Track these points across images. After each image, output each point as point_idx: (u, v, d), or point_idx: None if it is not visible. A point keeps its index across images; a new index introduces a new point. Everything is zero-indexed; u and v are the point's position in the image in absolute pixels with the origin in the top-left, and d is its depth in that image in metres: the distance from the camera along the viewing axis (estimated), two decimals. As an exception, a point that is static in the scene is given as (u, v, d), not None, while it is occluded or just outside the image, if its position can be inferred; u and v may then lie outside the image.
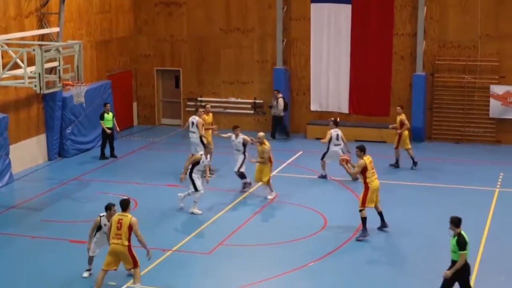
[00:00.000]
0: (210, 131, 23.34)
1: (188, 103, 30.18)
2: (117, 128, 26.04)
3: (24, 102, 24.17)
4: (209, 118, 23.57)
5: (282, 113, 27.96)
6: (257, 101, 29.31)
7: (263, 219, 19.47)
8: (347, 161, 18.41)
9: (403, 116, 23.96)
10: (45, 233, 18.39)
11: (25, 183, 22.65)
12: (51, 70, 22.77)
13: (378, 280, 15.63)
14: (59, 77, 21.25)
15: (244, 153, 21.44)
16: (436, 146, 27.17)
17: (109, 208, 15.19)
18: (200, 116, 22.90)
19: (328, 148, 22.61)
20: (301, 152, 25.82)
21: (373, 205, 17.93)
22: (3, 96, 23.15)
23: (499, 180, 22.62)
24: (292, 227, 18.74)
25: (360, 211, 17.79)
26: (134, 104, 30.83)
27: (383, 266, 16.43)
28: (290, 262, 16.25)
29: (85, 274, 15.65)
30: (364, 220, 17.78)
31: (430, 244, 17.63)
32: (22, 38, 23.30)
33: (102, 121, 25.24)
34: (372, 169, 17.96)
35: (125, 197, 15.62)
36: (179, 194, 19.92)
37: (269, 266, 16.32)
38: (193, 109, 29.27)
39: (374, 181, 17.87)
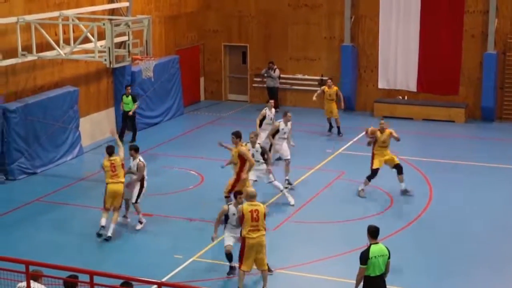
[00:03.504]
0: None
1: (255, 79, 30.21)
2: (130, 113, 24.20)
3: (94, 76, 24.56)
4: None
5: (277, 84, 28.75)
6: (324, 78, 29.16)
7: (329, 197, 19.42)
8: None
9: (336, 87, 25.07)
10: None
11: (95, 155, 23.01)
12: (120, 45, 22.99)
13: (443, 259, 15.50)
14: (129, 51, 21.47)
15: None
16: (506, 126, 26.62)
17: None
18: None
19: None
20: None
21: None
22: (74, 70, 23.54)
23: None
24: (358, 205, 18.68)
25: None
26: (202, 79, 30.99)
27: (448, 248, 16.26)
28: (355, 240, 16.18)
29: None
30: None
31: (498, 226, 17.39)
32: (93, 13, 23.66)
33: (122, 103, 24.38)
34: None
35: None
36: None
37: (333, 243, 16.32)
38: (260, 85, 29.45)
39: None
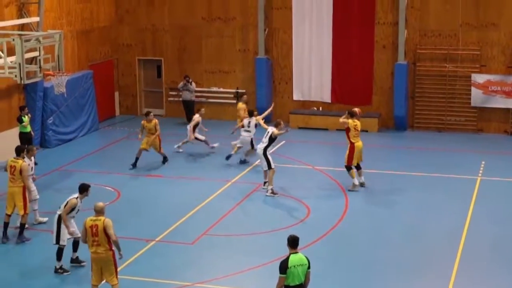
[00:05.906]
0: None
1: (170, 92, 30.09)
2: (33, 133, 23.42)
3: (4, 92, 24.00)
4: (150, 125, 23.00)
5: (193, 98, 28.98)
6: (239, 90, 29.27)
7: (246, 209, 19.46)
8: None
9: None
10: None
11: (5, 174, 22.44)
12: (31, 60, 22.61)
13: (361, 267, 15.70)
14: (40, 67, 21.13)
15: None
16: (418, 135, 27.25)
17: (85, 189, 15.09)
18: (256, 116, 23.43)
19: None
20: (283, 141, 25.80)
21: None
22: (-16, 87, 23.00)
23: (481, 168, 22.74)
24: (275, 217, 18.77)
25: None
26: (116, 94, 30.69)
27: (365, 255, 16.48)
28: (273, 251, 16.25)
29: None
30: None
31: (412, 233, 17.73)
32: (2, 28, 23.15)
33: (21, 125, 23.09)
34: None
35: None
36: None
37: (252, 256, 16.32)
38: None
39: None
